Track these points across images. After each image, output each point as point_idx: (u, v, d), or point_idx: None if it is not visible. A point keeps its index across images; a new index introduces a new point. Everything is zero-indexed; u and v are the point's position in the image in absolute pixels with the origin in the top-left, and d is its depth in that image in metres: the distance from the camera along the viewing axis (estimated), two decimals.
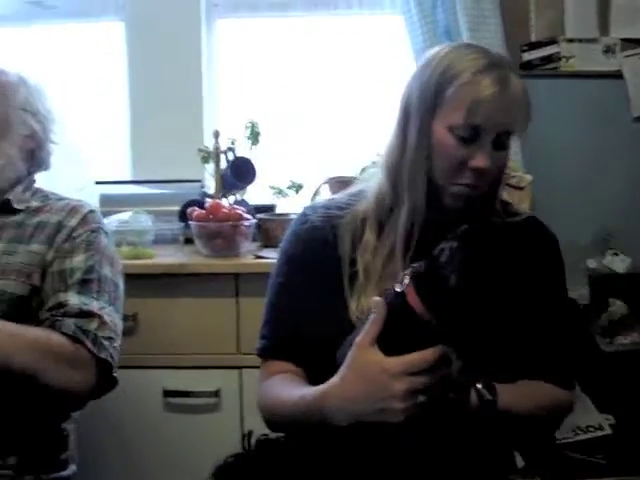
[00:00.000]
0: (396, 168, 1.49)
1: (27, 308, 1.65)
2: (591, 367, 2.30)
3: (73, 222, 1.74)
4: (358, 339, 1.29)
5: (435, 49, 1.50)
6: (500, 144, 1.44)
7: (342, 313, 1.44)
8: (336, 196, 1.65)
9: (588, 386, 2.30)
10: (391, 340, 1.27)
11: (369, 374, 1.27)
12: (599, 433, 2.27)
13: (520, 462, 1.66)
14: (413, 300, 1.26)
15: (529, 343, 1.48)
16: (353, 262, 1.49)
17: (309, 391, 1.37)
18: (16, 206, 1.77)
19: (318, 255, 1.52)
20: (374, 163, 2.61)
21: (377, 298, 1.31)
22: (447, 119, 1.42)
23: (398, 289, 1.29)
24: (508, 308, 1.42)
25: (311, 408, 1.34)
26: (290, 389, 1.44)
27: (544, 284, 1.52)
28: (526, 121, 1.45)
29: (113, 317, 1.67)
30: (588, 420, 2.28)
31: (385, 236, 1.50)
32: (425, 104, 1.44)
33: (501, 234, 1.35)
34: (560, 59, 2.74)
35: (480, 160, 1.41)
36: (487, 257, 1.26)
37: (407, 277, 1.29)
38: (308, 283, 1.51)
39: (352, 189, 1.62)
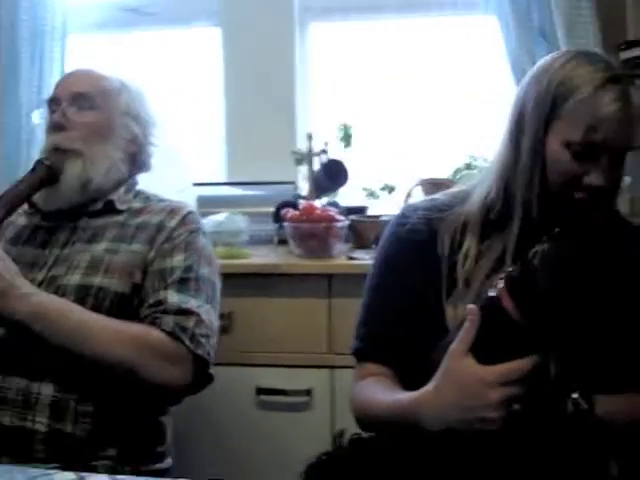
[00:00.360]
0: (509, 177, 1.45)
1: (129, 305, 1.70)
2: None
3: (173, 223, 1.79)
4: (452, 347, 1.29)
5: (550, 57, 1.46)
6: (617, 161, 1.41)
7: (438, 318, 1.43)
8: (436, 196, 1.61)
9: None
10: (486, 347, 1.27)
11: (464, 383, 1.26)
12: None
13: (615, 470, 1.63)
14: (507, 304, 1.25)
15: (630, 355, 1.44)
16: (452, 266, 1.47)
17: (404, 396, 1.37)
18: (119, 207, 1.83)
19: (416, 257, 1.50)
20: (468, 165, 2.61)
21: (472, 305, 1.30)
22: (563, 134, 1.39)
23: (493, 294, 1.28)
24: (613, 316, 1.39)
25: (405, 413, 1.34)
26: (384, 392, 1.44)
27: None
28: None
29: (210, 315, 1.71)
30: None
31: (490, 243, 1.47)
32: (541, 116, 1.40)
33: (600, 237, 1.32)
34: None
35: (596, 178, 1.38)
36: (578, 259, 1.24)
37: (501, 281, 1.28)
38: (405, 285, 1.50)
39: (453, 190, 1.60)
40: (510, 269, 1.29)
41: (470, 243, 1.47)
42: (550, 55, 1.47)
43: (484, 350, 1.27)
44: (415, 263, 1.50)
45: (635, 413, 1.43)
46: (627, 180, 2.38)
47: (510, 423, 1.25)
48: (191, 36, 3.05)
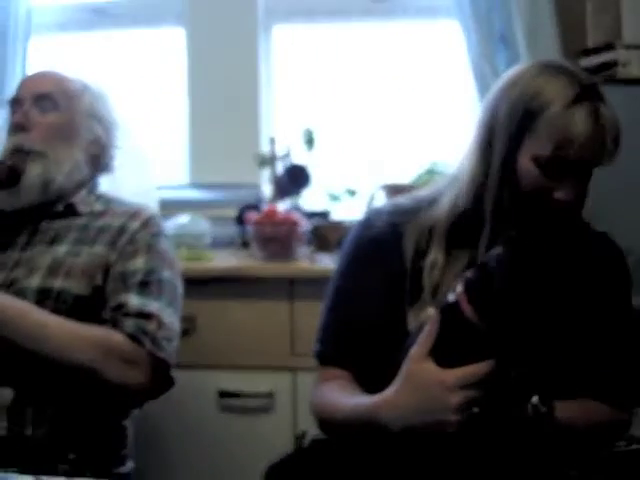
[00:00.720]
0: (478, 189, 1.46)
1: (89, 308, 1.69)
2: None
3: (135, 226, 1.78)
4: (412, 351, 1.30)
5: (520, 69, 1.45)
6: (587, 175, 1.42)
7: (400, 323, 1.44)
8: (401, 200, 1.61)
9: None
10: (446, 351, 1.28)
11: (424, 386, 1.28)
12: None
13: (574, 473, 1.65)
14: (466, 307, 1.26)
15: (589, 360, 1.46)
16: (416, 271, 1.48)
17: (364, 400, 1.38)
18: (80, 209, 1.82)
19: (380, 261, 1.50)
20: (430, 170, 2.62)
21: (432, 310, 1.32)
22: (533, 149, 1.39)
23: (452, 298, 1.30)
24: (568, 321, 1.42)
25: (366, 416, 1.35)
26: (345, 395, 1.44)
27: (609, 301, 1.50)
28: (616, 153, 1.42)
29: (172, 318, 1.71)
30: None
31: (458, 254, 1.47)
32: (512, 130, 1.40)
33: (554, 242, 1.34)
34: (617, 65, 2.71)
35: (564, 194, 1.39)
36: (533, 261, 1.25)
37: (460, 285, 1.30)
38: (368, 289, 1.50)
39: (418, 194, 1.60)
40: (468, 272, 1.31)
41: (437, 253, 1.47)
42: (520, 66, 1.48)
43: (444, 354, 1.28)
44: (378, 267, 1.50)
45: (589, 419, 1.46)
46: None
47: (469, 426, 1.27)
48: (155, 38, 3.03)
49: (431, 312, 1.32)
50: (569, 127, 1.36)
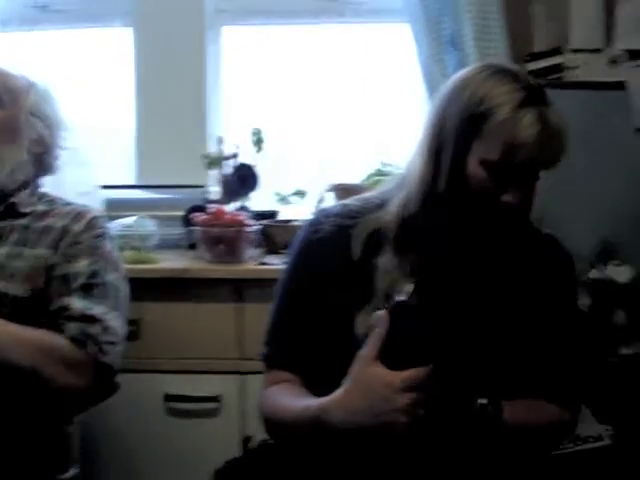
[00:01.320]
0: (428, 192, 1.46)
1: (31, 311, 1.66)
2: (593, 378, 2.30)
3: (78, 227, 1.75)
4: (361, 353, 1.30)
5: (469, 72, 1.46)
6: (533, 179, 1.43)
7: (347, 326, 1.43)
8: (348, 201, 1.60)
9: (588, 396, 2.30)
10: (394, 353, 1.28)
11: (372, 388, 1.28)
12: (599, 444, 2.27)
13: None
14: (410, 312, 1.28)
15: (537, 360, 1.48)
16: (364, 274, 1.47)
17: (313, 402, 1.37)
18: (22, 210, 1.78)
19: (327, 264, 1.49)
20: (379, 171, 2.63)
21: (380, 312, 1.32)
22: (482, 152, 1.40)
23: (400, 299, 1.32)
24: (515, 321, 1.43)
25: (314, 419, 1.34)
26: (293, 398, 1.44)
27: (556, 301, 1.52)
28: (562, 156, 1.43)
29: (116, 322, 1.68)
30: (588, 430, 2.28)
31: (409, 255, 1.47)
32: (461, 134, 1.41)
33: (499, 242, 1.32)
34: (564, 69, 2.75)
35: (512, 197, 1.40)
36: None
37: (409, 287, 1.30)
38: (315, 292, 1.49)
39: (366, 195, 1.60)
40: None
41: (387, 256, 1.47)
42: (468, 69, 1.48)
43: (392, 356, 1.28)
44: (326, 270, 1.49)
45: (538, 419, 1.47)
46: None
47: (416, 428, 1.27)
48: (103, 36, 2.99)
49: (380, 314, 1.31)
50: (516, 131, 1.37)
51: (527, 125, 1.36)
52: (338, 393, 1.32)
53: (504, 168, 1.39)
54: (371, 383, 1.28)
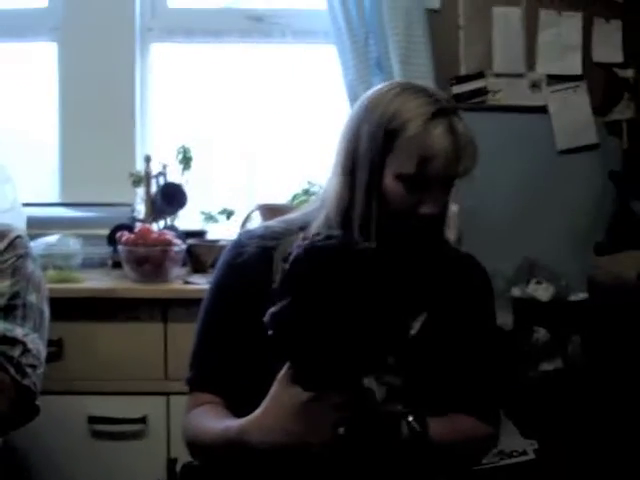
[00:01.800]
0: (346, 211, 1.47)
1: None
2: (515, 393, 2.34)
3: (0, 247, 1.72)
4: (281, 373, 1.31)
5: (379, 90, 1.49)
6: (448, 187, 1.46)
7: (269, 348, 1.42)
8: (272, 223, 1.61)
9: (512, 411, 2.34)
10: (310, 374, 1.28)
11: (289, 408, 1.28)
12: (523, 458, 2.30)
13: None
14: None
15: (457, 377, 1.50)
16: None
17: (233, 423, 1.37)
18: None
19: (250, 287, 1.49)
20: (306, 191, 2.64)
21: None
22: (396, 167, 1.42)
23: None
24: (435, 341, 1.45)
25: (233, 439, 1.34)
26: (214, 420, 1.43)
27: (474, 318, 1.55)
28: (475, 165, 1.46)
29: (37, 344, 1.65)
30: (512, 445, 2.31)
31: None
32: (375, 151, 1.43)
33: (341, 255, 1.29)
34: (487, 93, 2.81)
35: (430, 207, 1.43)
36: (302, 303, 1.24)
37: None
38: (238, 316, 1.49)
39: (289, 217, 1.61)
40: None
41: None
42: (379, 87, 1.51)
43: (309, 377, 1.28)
44: (247, 293, 1.49)
45: (461, 434, 1.49)
46: (454, 209, 2.49)
47: (339, 447, 1.27)
48: (27, 51, 2.94)
49: None
50: (428, 143, 1.40)
51: (438, 136, 1.40)
52: (256, 413, 1.33)
53: (420, 180, 1.42)
54: (288, 403, 1.29)
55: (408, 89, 1.46)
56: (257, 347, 1.44)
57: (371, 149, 1.44)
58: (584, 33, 2.83)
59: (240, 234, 1.62)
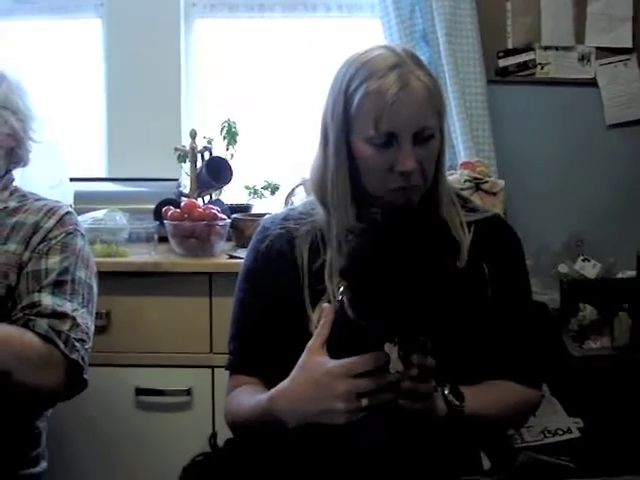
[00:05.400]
0: (322, 186, 1.50)
1: (3, 308, 1.64)
2: (561, 371, 2.32)
3: (50, 223, 1.74)
4: (309, 343, 1.33)
5: (342, 65, 1.49)
6: (422, 139, 1.44)
7: (303, 326, 1.46)
8: (296, 205, 1.65)
9: (558, 389, 2.32)
10: (338, 343, 1.31)
11: (314, 376, 1.31)
12: (568, 436, 2.28)
13: (487, 464, 1.68)
14: (347, 304, 1.30)
15: (494, 341, 1.49)
16: (313, 273, 1.50)
17: (262, 395, 1.41)
18: None
19: (277, 270, 1.52)
20: None
21: (326, 304, 1.37)
22: (361, 131, 1.43)
23: (340, 296, 1.34)
24: (468, 306, 1.43)
25: (264, 411, 1.37)
26: (249, 396, 1.47)
27: (507, 281, 1.53)
28: (437, 115, 1.45)
29: (86, 319, 1.68)
30: (557, 423, 2.30)
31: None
32: (338, 120, 1.45)
33: (410, 224, 1.29)
34: (536, 66, 2.77)
35: (404, 163, 1.42)
36: (379, 252, 1.24)
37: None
38: (269, 298, 1.52)
39: (309, 197, 1.62)
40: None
41: (331, 255, 1.49)
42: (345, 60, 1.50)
43: (337, 346, 1.31)
44: (275, 276, 1.52)
45: (501, 401, 1.49)
46: (501, 183, 2.48)
47: (361, 417, 1.28)
48: (74, 27, 2.96)
49: (326, 306, 1.36)
50: (379, 99, 1.40)
51: (385, 89, 1.39)
52: (284, 382, 1.36)
53: (384, 138, 1.41)
54: (313, 371, 1.31)
55: (368, 53, 1.46)
56: (290, 326, 1.48)
57: (335, 119, 1.45)
58: (634, 4, 2.76)
59: (264, 219, 1.64)
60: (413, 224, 1.27)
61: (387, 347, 1.28)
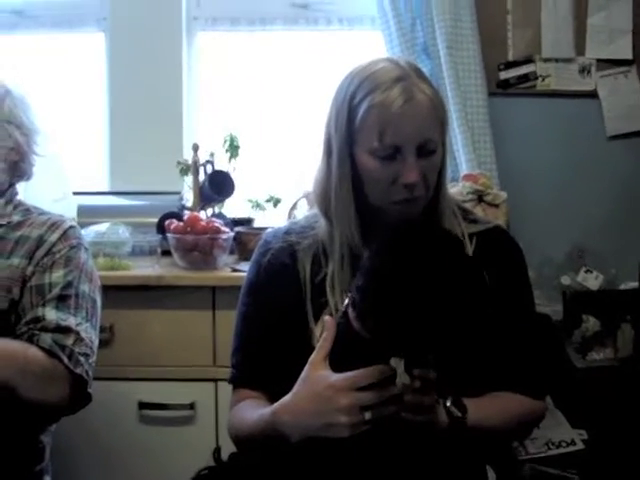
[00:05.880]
0: (325, 198, 1.50)
1: (6, 322, 1.65)
2: (564, 382, 2.32)
3: (53, 237, 1.74)
4: (312, 356, 1.33)
5: (345, 77, 1.49)
6: (425, 152, 1.44)
7: (305, 340, 1.46)
8: (298, 218, 1.66)
9: (561, 401, 2.32)
10: (341, 357, 1.31)
11: (317, 389, 1.31)
12: (572, 448, 2.28)
13: (492, 476, 1.68)
14: (352, 317, 1.30)
15: (497, 353, 1.48)
16: (316, 287, 1.50)
17: (265, 410, 1.40)
18: None
19: (280, 283, 1.53)
20: None
21: (328, 317, 1.36)
22: (364, 143, 1.43)
23: (344, 308, 1.34)
24: (471, 319, 1.43)
25: (267, 425, 1.37)
26: (251, 410, 1.47)
27: (509, 293, 1.52)
28: (441, 127, 1.45)
29: (90, 333, 1.68)
30: (561, 435, 2.30)
31: (354, 262, 1.47)
32: (342, 133, 1.45)
33: (427, 240, 1.30)
34: (536, 78, 2.78)
35: (408, 176, 1.42)
36: (394, 268, 1.25)
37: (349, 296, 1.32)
38: (271, 312, 1.52)
39: (312, 211, 1.62)
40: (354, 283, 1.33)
41: (333, 269, 1.50)
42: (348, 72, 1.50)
43: (339, 360, 1.31)
44: (277, 290, 1.53)
45: (505, 412, 1.48)
46: (503, 195, 2.48)
47: (365, 431, 1.27)
48: (76, 41, 2.97)
49: (328, 319, 1.36)
50: (384, 111, 1.40)
51: (391, 102, 1.39)
52: (287, 396, 1.36)
53: (388, 151, 1.42)
54: (316, 385, 1.31)
55: (370, 66, 1.46)
56: (292, 339, 1.48)
57: (339, 131, 1.45)
58: (634, 16, 2.77)
59: (266, 233, 1.64)
60: (430, 242, 1.28)
61: (393, 361, 1.28)
